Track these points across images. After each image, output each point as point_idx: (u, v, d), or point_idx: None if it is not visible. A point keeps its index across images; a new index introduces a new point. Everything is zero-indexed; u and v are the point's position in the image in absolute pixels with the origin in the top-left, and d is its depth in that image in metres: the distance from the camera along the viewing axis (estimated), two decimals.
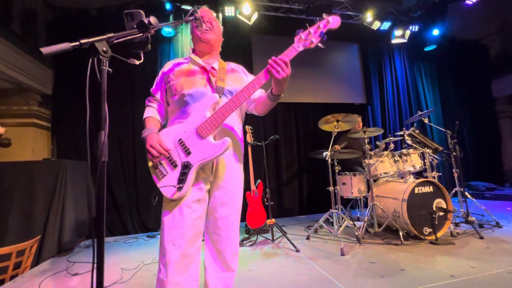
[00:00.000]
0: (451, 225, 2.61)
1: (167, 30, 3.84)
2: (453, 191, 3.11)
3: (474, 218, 2.82)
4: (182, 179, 1.09)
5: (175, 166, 1.11)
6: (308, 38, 1.11)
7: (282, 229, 2.93)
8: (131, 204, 3.63)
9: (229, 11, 3.97)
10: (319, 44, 1.12)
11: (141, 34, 0.94)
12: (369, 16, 4.45)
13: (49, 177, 2.69)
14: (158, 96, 1.30)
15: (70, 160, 3.08)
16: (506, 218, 3.10)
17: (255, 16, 4.01)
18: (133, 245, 2.98)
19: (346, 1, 4.51)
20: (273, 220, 2.78)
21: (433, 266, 1.91)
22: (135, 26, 0.95)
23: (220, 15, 3.86)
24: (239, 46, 4.28)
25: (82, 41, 0.76)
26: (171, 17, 3.68)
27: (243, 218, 2.86)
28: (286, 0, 4.33)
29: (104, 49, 0.81)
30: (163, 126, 1.29)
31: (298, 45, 1.11)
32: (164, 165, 1.12)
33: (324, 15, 1.11)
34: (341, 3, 4.54)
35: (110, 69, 0.85)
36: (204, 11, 1.31)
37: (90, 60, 0.79)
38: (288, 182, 4.41)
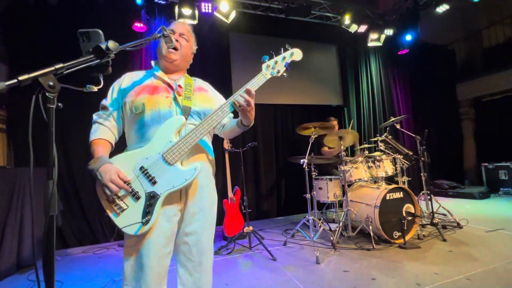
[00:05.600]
0: (418, 227, 2.77)
1: (138, 25, 3.57)
2: (421, 194, 3.30)
3: (438, 219, 3.01)
4: (148, 211, 1.01)
5: (138, 198, 1.01)
6: (275, 67, 1.18)
7: (260, 235, 2.92)
8: (101, 210, 3.42)
9: (205, 7, 3.79)
10: (284, 74, 1.21)
11: (98, 60, 0.83)
12: (347, 18, 4.47)
13: (4, 187, 2.44)
14: (112, 112, 1.14)
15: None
16: (466, 218, 3.33)
17: (233, 14, 3.87)
18: (103, 257, 2.82)
19: (325, 2, 4.51)
20: (251, 227, 2.76)
21: (401, 274, 2.01)
22: (91, 50, 0.84)
23: (197, 11, 3.67)
24: (217, 45, 4.11)
25: (20, 78, 0.64)
26: (142, 12, 3.42)
27: (219, 223, 2.83)
28: None
29: (51, 83, 0.70)
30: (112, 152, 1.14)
31: (266, 73, 1.16)
32: (124, 198, 1.00)
33: (287, 46, 1.22)
34: (320, 4, 4.53)
35: (60, 104, 0.74)
36: (178, 25, 1.22)
37: (34, 97, 0.68)
38: (266, 184, 4.41)
